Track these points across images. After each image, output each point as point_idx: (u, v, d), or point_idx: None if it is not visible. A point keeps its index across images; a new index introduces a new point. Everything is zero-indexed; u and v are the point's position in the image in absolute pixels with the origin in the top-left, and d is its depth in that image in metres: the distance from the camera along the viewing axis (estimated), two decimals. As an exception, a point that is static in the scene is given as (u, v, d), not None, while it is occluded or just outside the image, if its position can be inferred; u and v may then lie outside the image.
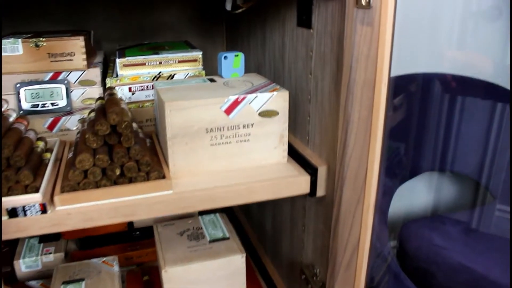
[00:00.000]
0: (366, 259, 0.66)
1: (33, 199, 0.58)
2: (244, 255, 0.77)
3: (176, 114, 0.63)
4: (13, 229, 0.58)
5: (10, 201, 0.58)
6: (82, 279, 0.79)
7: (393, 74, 1.23)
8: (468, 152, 1.35)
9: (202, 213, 0.95)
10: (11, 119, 0.68)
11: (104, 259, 0.84)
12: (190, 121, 0.64)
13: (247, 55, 0.95)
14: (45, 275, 0.92)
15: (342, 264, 0.68)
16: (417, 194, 1.52)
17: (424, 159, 1.35)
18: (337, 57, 0.62)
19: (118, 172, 0.61)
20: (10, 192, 0.59)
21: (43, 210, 0.58)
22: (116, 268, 0.82)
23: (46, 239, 0.97)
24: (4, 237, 0.59)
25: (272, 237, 0.98)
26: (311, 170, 0.68)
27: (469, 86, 1.32)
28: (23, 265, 0.91)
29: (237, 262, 0.77)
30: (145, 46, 0.93)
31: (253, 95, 0.66)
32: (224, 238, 0.81)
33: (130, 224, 1.00)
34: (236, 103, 0.65)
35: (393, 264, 1.11)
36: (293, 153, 0.73)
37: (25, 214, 0.58)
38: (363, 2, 0.53)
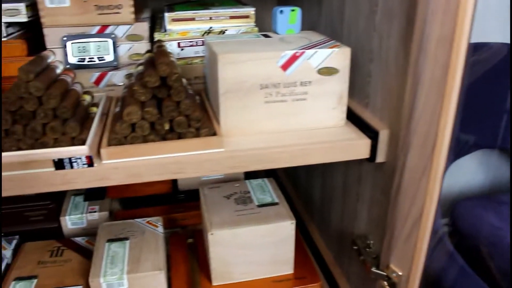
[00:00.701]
0: (429, 233, 0.61)
1: (80, 151, 0.56)
2: (294, 222, 0.73)
3: (230, 67, 0.59)
4: (59, 181, 0.56)
5: (56, 152, 0.56)
6: (127, 238, 0.78)
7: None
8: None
9: (248, 177, 0.91)
10: (58, 71, 0.66)
11: (149, 219, 0.83)
12: (244, 76, 0.59)
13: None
14: (89, 233, 0.91)
15: (400, 237, 0.63)
16: (472, 172, 1.44)
17: (483, 135, 1.27)
18: (407, 10, 0.56)
19: (167, 126, 0.58)
20: (57, 144, 0.57)
21: (90, 163, 0.56)
22: (160, 229, 0.81)
23: (91, 197, 0.96)
24: (50, 189, 0.57)
25: (320, 204, 0.94)
26: (372, 134, 0.63)
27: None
28: (69, 222, 0.91)
29: (287, 228, 0.73)
30: (194, 2, 0.89)
31: (312, 50, 0.61)
32: (272, 203, 0.77)
33: (175, 186, 0.98)
34: (293, 58, 0.60)
35: (445, 241, 1.05)
36: (351, 116, 0.68)
37: (71, 167, 0.56)
38: None
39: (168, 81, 0.58)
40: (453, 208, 1.22)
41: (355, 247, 0.74)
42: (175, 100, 0.58)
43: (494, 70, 1.21)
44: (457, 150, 1.28)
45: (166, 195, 0.96)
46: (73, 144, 0.58)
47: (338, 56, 0.62)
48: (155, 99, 0.59)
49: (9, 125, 0.56)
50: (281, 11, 0.70)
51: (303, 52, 0.60)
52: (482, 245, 1.10)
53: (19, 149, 0.57)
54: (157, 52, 0.63)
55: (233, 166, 0.59)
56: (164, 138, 0.59)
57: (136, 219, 0.83)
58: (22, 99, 0.57)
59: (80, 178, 0.56)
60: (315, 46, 0.62)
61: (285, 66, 0.60)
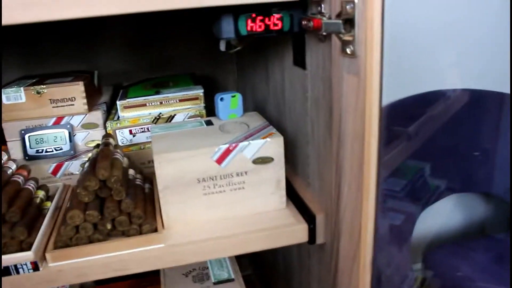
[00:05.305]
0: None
1: (25, 257, 0.58)
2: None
3: (166, 165, 0.62)
4: (7, 287, 0.59)
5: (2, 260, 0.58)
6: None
7: (406, 94, 1.18)
8: (500, 171, 1.28)
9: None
10: (9, 172, 0.69)
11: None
12: (180, 172, 0.62)
13: (255, 86, 0.93)
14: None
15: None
16: (444, 218, 1.45)
17: (451, 181, 1.29)
18: (329, 103, 0.59)
19: (109, 226, 0.61)
20: (5, 248, 0.60)
21: (35, 268, 0.59)
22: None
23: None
24: (-3, 295, 0.59)
25: (283, 277, 0.95)
26: (309, 218, 0.65)
27: (487, 99, 1.24)
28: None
29: (239, 307, 0.75)
30: (149, 82, 0.93)
31: (245, 143, 0.64)
32: (229, 280, 0.79)
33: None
34: (227, 152, 0.63)
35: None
36: (294, 197, 0.70)
37: (17, 272, 0.58)
38: (348, 51, 0.50)
39: (107, 183, 0.61)
40: (424, 257, 1.23)
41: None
42: (116, 199, 0.61)
43: (459, 116, 1.24)
44: (429, 197, 1.30)
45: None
46: (21, 247, 0.61)
47: (272, 145, 0.65)
48: (99, 199, 0.62)
49: (-43, 232, 0.59)
50: (222, 99, 0.73)
51: (236, 146, 0.63)
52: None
53: (-32, 253, 0.60)
54: (100, 152, 0.66)
55: (174, 260, 0.61)
56: (109, 234, 0.62)
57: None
58: (-29, 206, 0.60)
59: (27, 282, 0.59)
60: (250, 137, 0.65)
61: (220, 160, 0.63)
